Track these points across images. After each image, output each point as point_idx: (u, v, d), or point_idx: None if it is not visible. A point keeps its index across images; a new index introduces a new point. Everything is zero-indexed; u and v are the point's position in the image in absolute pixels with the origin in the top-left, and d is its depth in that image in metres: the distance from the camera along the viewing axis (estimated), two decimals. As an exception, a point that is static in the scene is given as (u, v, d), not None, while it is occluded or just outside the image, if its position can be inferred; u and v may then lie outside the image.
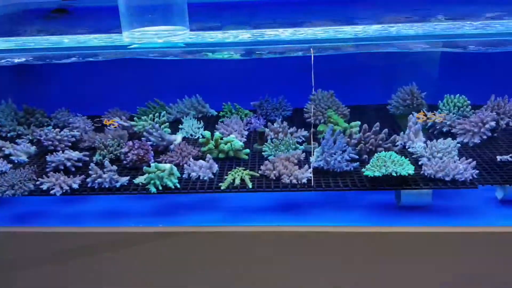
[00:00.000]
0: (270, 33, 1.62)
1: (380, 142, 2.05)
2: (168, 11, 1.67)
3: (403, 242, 1.76)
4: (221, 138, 2.17)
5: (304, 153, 2.08)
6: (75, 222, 1.95)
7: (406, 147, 2.15)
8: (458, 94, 2.48)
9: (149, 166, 1.93)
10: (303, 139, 2.29)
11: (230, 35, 1.61)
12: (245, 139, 2.35)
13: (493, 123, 2.11)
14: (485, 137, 2.13)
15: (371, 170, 1.84)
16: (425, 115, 2.04)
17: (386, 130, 2.06)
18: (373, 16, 2.42)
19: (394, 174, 1.80)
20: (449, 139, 2.04)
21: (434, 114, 2.08)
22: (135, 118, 2.31)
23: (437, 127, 2.32)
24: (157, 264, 1.83)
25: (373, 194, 1.99)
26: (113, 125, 2.07)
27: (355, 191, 1.85)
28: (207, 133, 2.14)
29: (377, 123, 2.07)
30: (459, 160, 1.91)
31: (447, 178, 1.82)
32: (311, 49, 1.48)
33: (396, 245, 1.75)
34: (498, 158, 2.01)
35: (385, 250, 1.75)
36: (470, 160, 1.87)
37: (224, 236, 1.79)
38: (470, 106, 2.42)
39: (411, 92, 2.56)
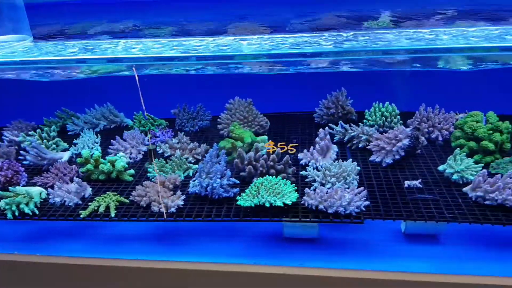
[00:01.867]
0: (105, 46, 1.39)
1: (272, 163, 1.80)
2: (3, 19, 1.47)
3: (277, 285, 1.51)
4: (103, 157, 1.97)
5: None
6: None
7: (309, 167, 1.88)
8: (388, 102, 2.19)
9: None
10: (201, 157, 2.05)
11: (59, 49, 1.40)
12: (142, 156, 2.14)
13: (406, 141, 1.80)
14: (398, 157, 1.83)
15: (244, 199, 1.60)
16: (274, 145, 1.76)
17: (278, 150, 1.80)
18: (314, 15, 2.11)
19: (267, 204, 1.55)
20: (349, 160, 1.76)
21: (285, 145, 1.83)
22: (22, 134, 2.14)
23: (354, 142, 2.03)
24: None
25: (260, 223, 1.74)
26: None
27: (224, 222, 1.61)
28: (86, 152, 1.94)
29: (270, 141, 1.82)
30: (356, 186, 1.63)
31: (330, 211, 1.55)
32: (133, 67, 1.25)
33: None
34: (406, 183, 1.72)
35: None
36: (361, 189, 1.59)
37: (76, 269, 1.61)
38: (398, 117, 2.12)
39: (336, 100, 2.27)
